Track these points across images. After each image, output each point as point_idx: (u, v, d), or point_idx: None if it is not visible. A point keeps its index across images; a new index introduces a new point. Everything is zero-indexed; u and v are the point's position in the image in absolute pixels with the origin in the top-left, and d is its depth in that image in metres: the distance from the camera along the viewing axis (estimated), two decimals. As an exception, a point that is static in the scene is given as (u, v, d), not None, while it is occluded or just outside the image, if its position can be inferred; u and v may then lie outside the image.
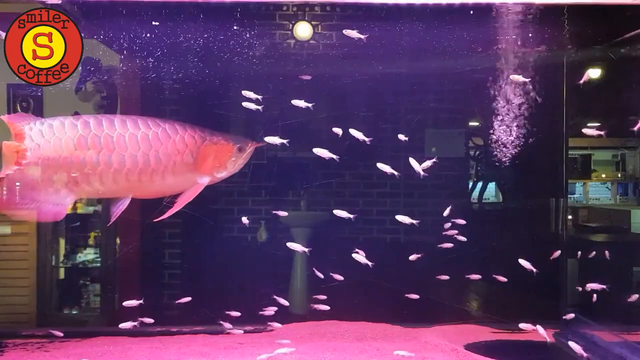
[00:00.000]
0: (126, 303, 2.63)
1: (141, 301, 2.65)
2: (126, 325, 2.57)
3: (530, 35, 2.94)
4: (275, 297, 2.82)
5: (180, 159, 2.50)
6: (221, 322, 2.82)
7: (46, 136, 2.40)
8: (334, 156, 2.55)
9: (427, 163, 2.61)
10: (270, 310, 2.83)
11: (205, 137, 2.57)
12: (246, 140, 2.64)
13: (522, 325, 2.67)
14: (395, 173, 2.60)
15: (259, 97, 2.63)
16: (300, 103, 2.65)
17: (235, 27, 2.91)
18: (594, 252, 3.28)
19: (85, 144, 2.40)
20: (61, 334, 2.76)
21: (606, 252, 3.22)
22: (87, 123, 2.43)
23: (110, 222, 2.55)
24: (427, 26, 2.90)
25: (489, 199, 5.28)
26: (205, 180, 2.55)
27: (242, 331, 2.85)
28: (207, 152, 2.55)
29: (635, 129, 2.42)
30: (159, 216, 2.54)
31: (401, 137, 2.70)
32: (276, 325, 2.88)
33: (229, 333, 2.83)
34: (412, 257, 2.93)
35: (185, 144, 2.51)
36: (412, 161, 2.62)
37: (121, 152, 2.42)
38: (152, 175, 2.46)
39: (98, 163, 2.41)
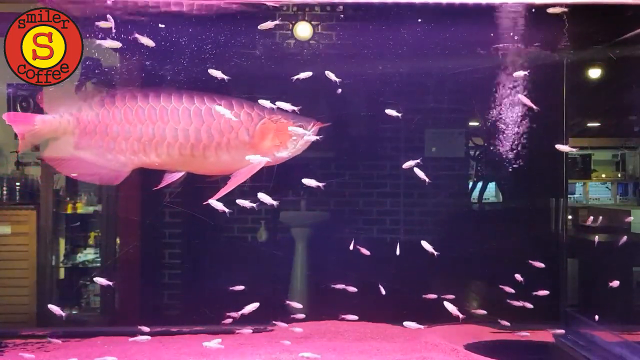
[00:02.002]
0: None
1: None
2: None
3: (530, 35, 2.94)
4: (287, 302, 2.78)
5: (234, 136, 2.46)
6: (229, 317, 2.77)
7: (106, 106, 2.47)
8: (320, 184, 2.48)
9: (410, 163, 2.56)
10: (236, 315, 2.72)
11: (263, 115, 2.51)
12: (308, 119, 2.56)
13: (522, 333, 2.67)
14: (426, 179, 2.55)
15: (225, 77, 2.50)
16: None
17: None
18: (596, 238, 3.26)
19: (142, 115, 2.45)
20: (59, 342, 2.75)
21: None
22: (147, 95, 2.47)
23: (157, 187, 2.55)
24: (427, 26, 2.90)
25: (489, 199, 5.27)
26: (264, 160, 2.48)
27: (250, 330, 2.82)
28: (264, 130, 2.49)
29: None
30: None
31: (391, 112, 2.63)
32: (281, 324, 2.84)
33: (237, 333, 2.80)
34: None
35: (240, 121, 2.47)
36: (417, 170, 2.57)
37: (174, 126, 2.44)
38: (205, 151, 2.45)
39: (154, 135, 2.46)
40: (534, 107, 2.76)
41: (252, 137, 2.48)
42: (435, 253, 2.57)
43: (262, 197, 2.44)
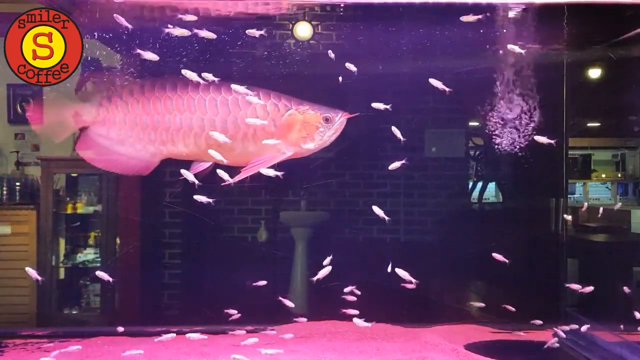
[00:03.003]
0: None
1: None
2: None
3: (530, 34, 2.94)
4: (281, 298, 2.77)
5: (260, 127, 2.44)
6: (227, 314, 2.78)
7: (135, 96, 2.49)
8: (279, 173, 2.43)
9: (396, 164, 2.52)
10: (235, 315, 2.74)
11: (290, 106, 2.48)
12: (336, 110, 2.51)
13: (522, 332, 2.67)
14: (399, 164, 2.50)
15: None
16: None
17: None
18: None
19: (170, 105, 2.45)
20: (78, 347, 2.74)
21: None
22: (175, 85, 2.47)
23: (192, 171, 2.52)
24: (426, 26, 2.90)
25: (489, 199, 5.28)
26: (289, 151, 2.46)
27: (244, 331, 2.84)
28: (291, 121, 2.46)
29: None
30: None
31: (378, 105, 2.60)
32: (270, 331, 2.84)
33: (230, 333, 2.81)
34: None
35: (267, 111, 2.45)
36: (395, 165, 2.54)
37: (201, 116, 2.44)
38: (231, 142, 2.44)
39: (181, 125, 2.46)
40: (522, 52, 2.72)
41: (278, 128, 2.45)
42: (386, 218, 2.52)
43: (199, 198, 2.43)
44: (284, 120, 2.46)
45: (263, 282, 2.77)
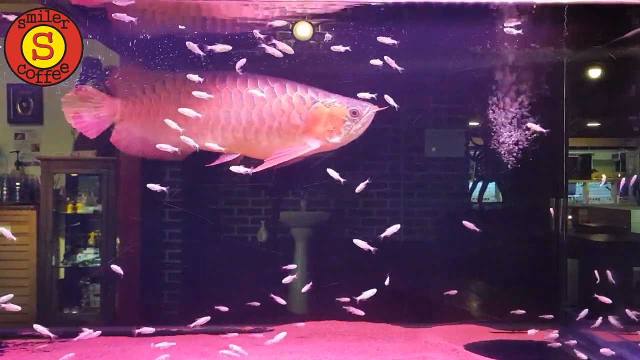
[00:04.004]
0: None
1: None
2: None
3: (530, 34, 2.94)
4: (272, 295, 2.76)
5: (286, 120, 2.43)
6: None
7: (168, 88, 2.54)
8: (249, 170, 2.42)
9: (361, 186, 2.47)
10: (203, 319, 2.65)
11: (316, 99, 2.45)
12: (364, 103, 2.47)
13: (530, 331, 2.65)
14: (249, 171, 2.42)
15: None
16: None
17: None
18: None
19: (197, 98, 2.45)
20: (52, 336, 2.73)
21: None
22: (202, 78, 2.47)
23: (211, 165, 2.54)
24: (426, 25, 2.90)
25: (489, 199, 5.28)
26: (315, 145, 2.44)
27: (236, 334, 2.81)
28: (317, 114, 2.43)
29: None
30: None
31: (364, 95, 2.53)
32: (258, 335, 2.81)
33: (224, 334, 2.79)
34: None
35: (292, 104, 2.43)
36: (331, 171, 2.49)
37: (227, 109, 2.44)
38: (257, 134, 2.44)
39: (208, 118, 2.47)
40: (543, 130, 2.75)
41: (304, 121, 2.43)
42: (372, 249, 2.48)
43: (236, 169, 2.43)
44: (309, 112, 2.44)
45: (292, 278, 2.73)
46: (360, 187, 2.47)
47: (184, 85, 2.52)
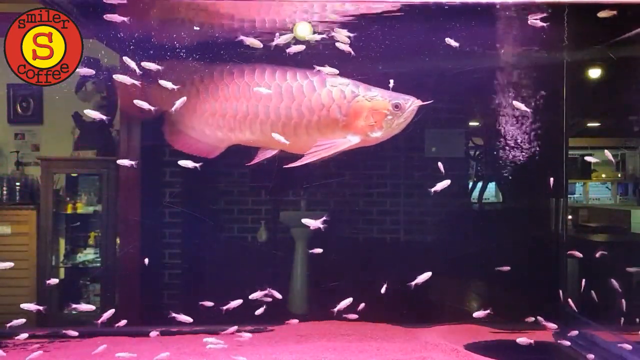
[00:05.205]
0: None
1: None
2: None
3: (530, 34, 2.94)
4: (270, 290, 2.72)
5: (325, 114, 2.36)
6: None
7: (205, 82, 2.52)
8: (197, 165, 2.39)
9: (439, 185, 2.50)
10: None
11: (357, 93, 2.38)
12: (406, 97, 2.40)
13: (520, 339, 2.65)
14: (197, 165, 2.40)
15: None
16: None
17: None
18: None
19: (236, 92, 2.43)
20: (76, 333, 2.72)
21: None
22: (242, 72, 2.45)
23: (250, 163, 2.52)
24: (425, 25, 2.90)
25: (489, 199, 5.28)
26: (355, 139, 2.38)
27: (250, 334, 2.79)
28: (358, 108, 2.36)
29: None
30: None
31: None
32: (246, 335, 2.75)
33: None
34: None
35: (332, 98, 2.37)
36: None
37: (266, 103, 2.40)
38: (296, 129, 2.38)
39: (247, 112, 2.43)
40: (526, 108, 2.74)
41: (344, 115, 2.37)
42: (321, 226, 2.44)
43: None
44: (350, 106, 2.37)
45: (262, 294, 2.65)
46: (437, 186, 2.50)
47: (224, 78, 2.49)
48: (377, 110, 2.37)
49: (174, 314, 2.48)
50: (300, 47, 2.33)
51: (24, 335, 2.53)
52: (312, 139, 2.41)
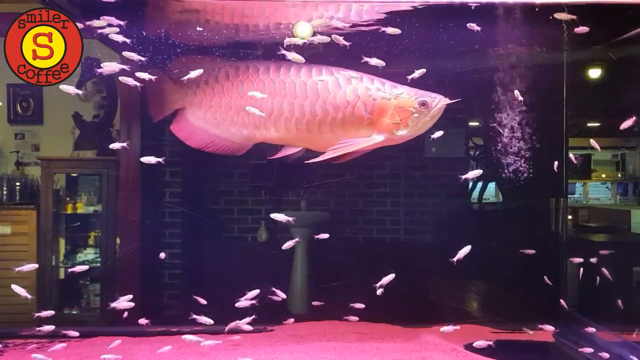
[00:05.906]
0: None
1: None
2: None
3: (530, 34, 2.94)
4: (274, 289, 2.70)
5: (350, 112, 2.32)
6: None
7: (230, 78, 2.47)
8: (160, 159, 2.40)
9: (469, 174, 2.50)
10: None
11: (382, 90, 2.34)
12: (433, 95, 2.37)
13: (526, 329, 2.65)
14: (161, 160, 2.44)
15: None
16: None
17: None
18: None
19: (262, 89, 2.40)
20: (76, 334, 2.72)
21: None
22: (268, 68, 2.42)
23: (273, 157, 2.50)
24: (425, 25, 2.90)
25: (489, 199, 5.28)
26: (380, 138, 2.34)
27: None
28: (384, 106, 2.32)
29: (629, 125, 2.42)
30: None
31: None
32: (235, 337, 2.74)
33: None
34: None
35: (357, 95, 2.33)
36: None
37: (291, 100, 2.37)
38: (320, 127, 2.35)
39: (272, 109, 2.39)
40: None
41: (370, 113, 2.32)
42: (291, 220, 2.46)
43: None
44: (376, 104, 2.33)
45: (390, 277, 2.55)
46: (469, 174, 2.48)
47: (251, 75, 2.45)
48: (403, 108, 2.33)
49: (194, 316, 2.50)
50: (325, 39, 2.33)
51: (50, 327, 2.51)
52: (337, 137, 2.37)
